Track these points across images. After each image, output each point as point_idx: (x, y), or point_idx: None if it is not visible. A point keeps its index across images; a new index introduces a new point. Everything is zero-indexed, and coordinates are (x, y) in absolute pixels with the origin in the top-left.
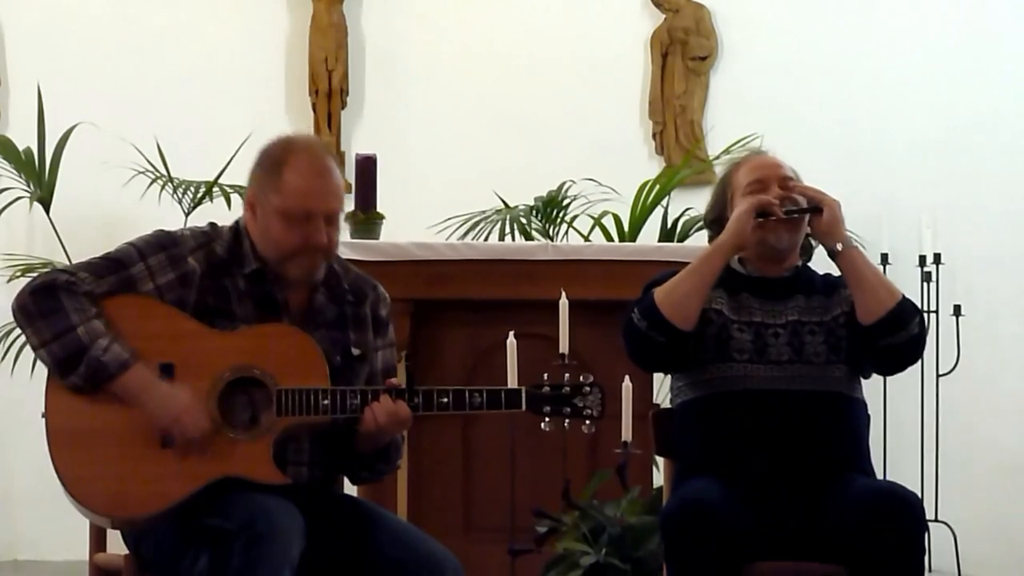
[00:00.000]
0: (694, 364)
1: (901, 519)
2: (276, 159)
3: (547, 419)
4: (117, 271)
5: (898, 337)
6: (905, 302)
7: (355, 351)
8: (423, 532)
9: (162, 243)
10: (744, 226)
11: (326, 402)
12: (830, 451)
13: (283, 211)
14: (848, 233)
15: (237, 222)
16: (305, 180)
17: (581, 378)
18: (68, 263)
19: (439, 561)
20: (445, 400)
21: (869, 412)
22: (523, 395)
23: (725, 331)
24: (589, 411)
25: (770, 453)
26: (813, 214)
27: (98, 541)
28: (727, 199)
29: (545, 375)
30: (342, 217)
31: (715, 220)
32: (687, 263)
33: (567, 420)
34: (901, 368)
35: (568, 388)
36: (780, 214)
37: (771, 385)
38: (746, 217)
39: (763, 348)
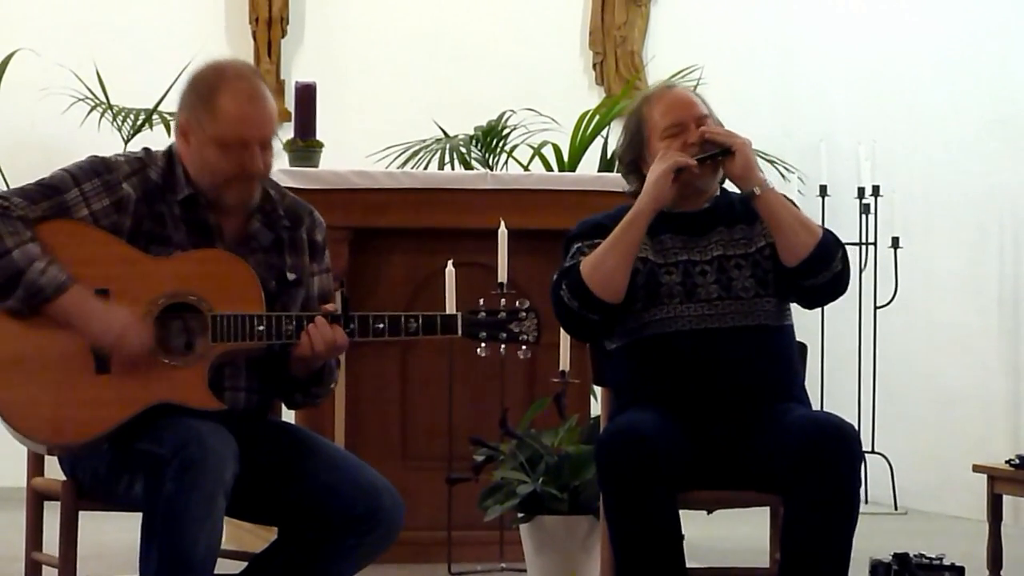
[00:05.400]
0: (626, 311)
1: (837, 450)
2: (208, 86)
3: (483, 344)
4: (51, 197)
5: (821, 277)
6: (826, 241)
7: (291, 276)
8: (360, 459)
9: (96, 169)
10: (663, 189)
11: (261, 328)
12: (763, 381)
13: (218, 139)
14: (791, 171)
15: (170, 147)
16: (239, 107)
17: (517, 303)
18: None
19: (375, 487)
20: (381, 326)
21: (805, 342)
22: (459, 320)
23: (654, 277)
24: (525, 336)
25: (704, 387)
26: (725, 156)
27: (36, 466)
28: (644, 137)
29: (481, 300)
30: (275, 141)
31: (632, 161)
32: (625, 194)
33: (503, 345)
34: (825, 303)
35: (504, 313)
36: (695, 169)
37: (702, 324)
38: (664, 180)
39: (692, 288)
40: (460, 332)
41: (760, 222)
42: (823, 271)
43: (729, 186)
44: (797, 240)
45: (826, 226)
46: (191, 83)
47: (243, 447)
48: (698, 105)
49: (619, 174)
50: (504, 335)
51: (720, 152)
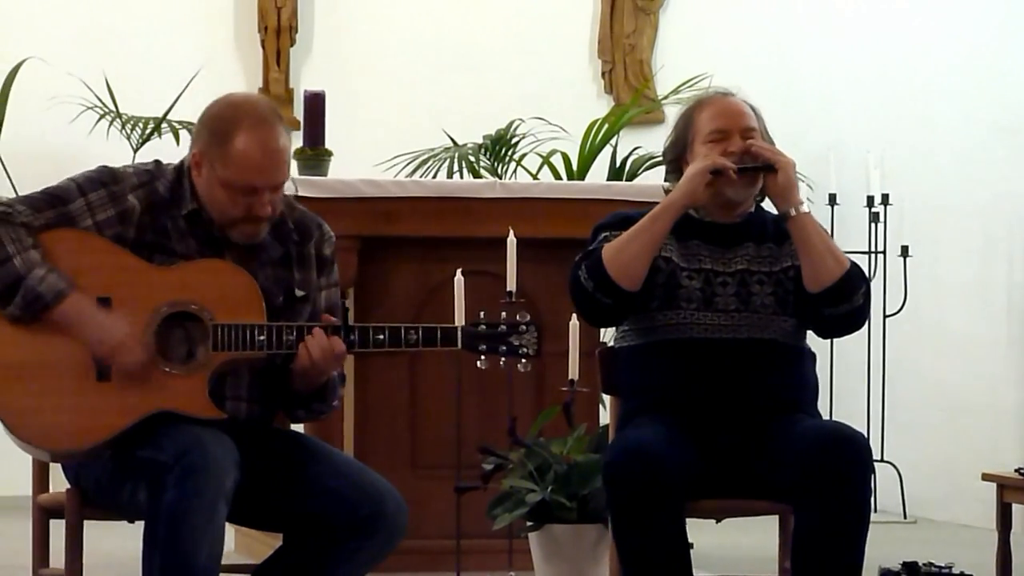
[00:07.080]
0: (641, 310)
1: (847, 459)
2: (226, 127)
3: (483, 357)
4: (55, 206)
5: (841, 308)
6: (852, 273)
7: (299, 293)
8: (364, 465)
9: (103, 179)
10: (697, 187)
11: (262, 338)
12: (773, 394)
13: (228, 182)
14: (800, 180)
15: (182, 161)
16: (254, 155)
17: (518, 317)
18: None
19: (379, 491)
20: (381, 337)
21: (814, 351)
22: (459, 333)
23: (674, 279)
24: (525, 350)
25: (714, 396)
26: (767, 173)
27: (41, 482)
28: (688, 140)
29: (482, 313)
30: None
31: (674, 160)
32: (635, 202)
33: (503, 358)
34: (840, 335)
35: (504, 326)
36: (733, 174)
37: (717, 333)
38: (699, 178)
39: (711, 297)
40: (460, 345)
41: (789, 244)
42: (844, 303)
43: (766, 205)
44: (824, 267)
45: (834, 235)
46: (208, 118)
47: (246, 454)
48: (747, 117)
49: (628, 183)
50: (504, 348)
51: (763, 167)
